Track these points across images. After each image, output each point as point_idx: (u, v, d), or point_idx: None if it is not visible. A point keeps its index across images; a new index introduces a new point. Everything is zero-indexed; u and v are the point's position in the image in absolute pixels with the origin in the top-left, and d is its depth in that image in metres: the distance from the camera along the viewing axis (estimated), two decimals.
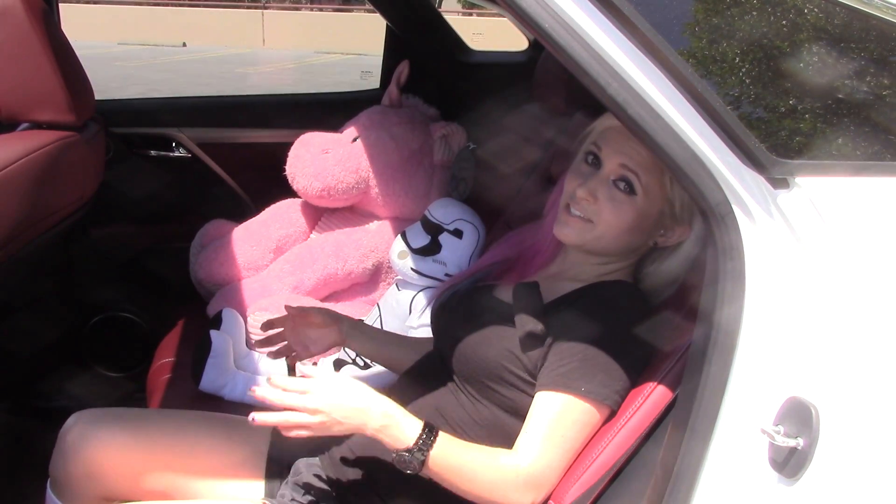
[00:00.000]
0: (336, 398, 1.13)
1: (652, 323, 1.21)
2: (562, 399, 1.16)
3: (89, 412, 1.41)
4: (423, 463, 1.12)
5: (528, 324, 1.20)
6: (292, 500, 1.30)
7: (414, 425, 1.14)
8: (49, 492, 1.39)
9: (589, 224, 1.23)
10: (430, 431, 1.13)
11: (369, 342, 1.54)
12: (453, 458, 1.14)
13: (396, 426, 1.13)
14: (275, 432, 1.42)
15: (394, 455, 1.13)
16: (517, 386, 1.22)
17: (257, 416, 1.12)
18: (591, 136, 1.27)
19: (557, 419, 1.15)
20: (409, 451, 1.12)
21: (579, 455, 1.17)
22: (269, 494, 1.35)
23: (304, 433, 1.12)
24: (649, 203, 1.20)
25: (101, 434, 1.35)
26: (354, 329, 1.51)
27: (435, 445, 1.12)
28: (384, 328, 1.93)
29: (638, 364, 1.19)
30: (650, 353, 1.20)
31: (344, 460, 1.33)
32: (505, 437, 1.21)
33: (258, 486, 1.37)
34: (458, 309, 1.37)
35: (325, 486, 1.32)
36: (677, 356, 1.13)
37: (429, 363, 1.41)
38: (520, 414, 1.21)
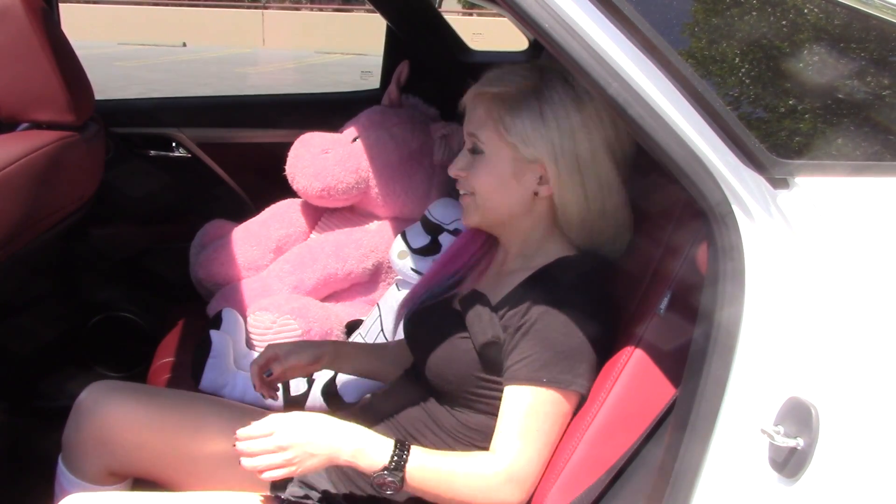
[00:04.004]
0: (303, 433, 1.13)
1: (601, 291, 1.22)
2: (528, 392, 1.16)
3: (104, 382, 1.45)
4: (402, 480, 1.12)
5: (480, 333, 1.22)
6: (304, 496, 1.31)
7: (385, 445, 1.14)
8: (60, 464, 1.42)
9: (473, 197, 1.28)
10: (402, 448, 1.14)
11: (353, 361, 1.54)
12: (431, 469, 1.14)
13: (368, 450, 1.13)
14: None
15: (372, 478, 1.13)
16: (496, 390, 1.22)
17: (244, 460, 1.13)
18: None
19: (528, 414, 1.16)
20: (385, 470, 1.12)
21: (579, 455, 1.16)
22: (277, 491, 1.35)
23: (278, 473, 1.12)
24: (496, 154, 1.24)
25: (114, 402, 1.39)
26: (338, 358, 1.50)
27: (410, 459, 1.13)
28: (384, 328, 1.93)
29: (598, 339, 1.18)
30: (609, 321, 1.21)
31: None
32: None
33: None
34: (422, 326, 1.37)
35: (330, 488, 1.32)
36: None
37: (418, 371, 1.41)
38: None
